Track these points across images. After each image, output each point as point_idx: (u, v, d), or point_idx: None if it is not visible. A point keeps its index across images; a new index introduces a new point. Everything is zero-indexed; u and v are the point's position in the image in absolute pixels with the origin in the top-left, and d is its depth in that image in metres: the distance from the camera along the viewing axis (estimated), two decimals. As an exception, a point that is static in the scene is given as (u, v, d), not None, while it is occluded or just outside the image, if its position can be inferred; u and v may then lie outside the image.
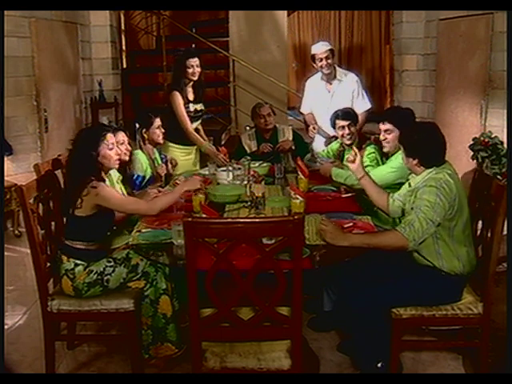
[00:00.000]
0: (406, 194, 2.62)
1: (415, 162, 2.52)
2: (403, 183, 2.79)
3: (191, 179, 2.97)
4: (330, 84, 4.22)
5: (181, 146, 4.21)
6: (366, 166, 3.39)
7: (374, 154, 3.42)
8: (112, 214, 2.71)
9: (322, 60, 4.09)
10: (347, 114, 3.57)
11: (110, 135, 2.70)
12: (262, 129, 4.28)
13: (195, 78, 4.11)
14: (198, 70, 4.09)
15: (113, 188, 2.74)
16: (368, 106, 4.25)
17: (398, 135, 2.93)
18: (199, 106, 4.25)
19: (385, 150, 3.09)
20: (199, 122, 4.32)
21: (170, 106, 4.14)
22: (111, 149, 2.70)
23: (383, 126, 3.05)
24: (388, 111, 3.22)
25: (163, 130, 3.69)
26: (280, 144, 4.25)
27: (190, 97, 4.18)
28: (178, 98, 4.07)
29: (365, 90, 4.31)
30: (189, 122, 4.13)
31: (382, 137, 3.05)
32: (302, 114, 4.62)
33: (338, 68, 4.28)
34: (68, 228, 2.66)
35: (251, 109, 4.35)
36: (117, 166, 2.80)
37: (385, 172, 3.14)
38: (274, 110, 4.38)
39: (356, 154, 2.84)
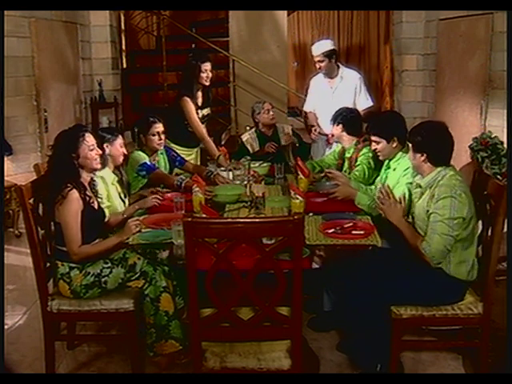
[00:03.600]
0: (416, 192, 2.61)
1: (423, 158, 2.50)
2: None
3: (127, 227, 2.60)
4: (332, 80, 4.24)
5: (183, 148, 4.19)
6: (357, 165, 3.39)
7: (368, 155, 3.40)
8: (97, 218, 2.66)
9: (316, 62, 4.18)
10: (342, 119, 3.48)
11: (89, 135, 2.63)
12: (267, 124, 4.26)
13: (208, 83, 4.06)
14: (211, 75, 4.05)
15: (78, 208, 2.53)
16: (369, 103, 4.28)
17: (386, 145, 2.93)
18: (206, 111, 4.22)
19: (380, 158, 3.07)
20: (204, 124, 4.30)
21: (175, 108, 4.08)
22: (92, 149, 2.63)
23: (371, 137, 3.02)
24: (372, 122, 3.10)
25: (163, 137, 3.53)
26: (284, 138, 4.26)
27: (200, 102, 4.13)
28: (190, 105, 3.99)
29: (367, 88, 4.32)
30: (204, 130, 4.10)
31: (372, 146, 3.03)
32: (304, 112, 4.62)
33: (341, 66, 4.30)
34: (55, 233, 2.62)
35: (251, 108, 4.34)
36: (99, 167, 2.71)
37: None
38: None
39: (388, 195, 2.65)
